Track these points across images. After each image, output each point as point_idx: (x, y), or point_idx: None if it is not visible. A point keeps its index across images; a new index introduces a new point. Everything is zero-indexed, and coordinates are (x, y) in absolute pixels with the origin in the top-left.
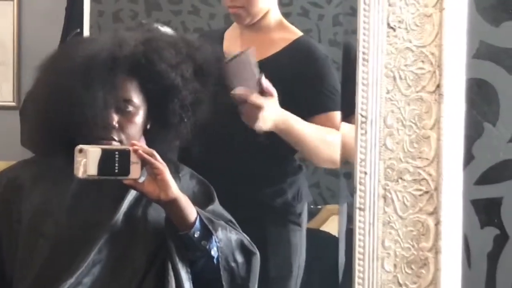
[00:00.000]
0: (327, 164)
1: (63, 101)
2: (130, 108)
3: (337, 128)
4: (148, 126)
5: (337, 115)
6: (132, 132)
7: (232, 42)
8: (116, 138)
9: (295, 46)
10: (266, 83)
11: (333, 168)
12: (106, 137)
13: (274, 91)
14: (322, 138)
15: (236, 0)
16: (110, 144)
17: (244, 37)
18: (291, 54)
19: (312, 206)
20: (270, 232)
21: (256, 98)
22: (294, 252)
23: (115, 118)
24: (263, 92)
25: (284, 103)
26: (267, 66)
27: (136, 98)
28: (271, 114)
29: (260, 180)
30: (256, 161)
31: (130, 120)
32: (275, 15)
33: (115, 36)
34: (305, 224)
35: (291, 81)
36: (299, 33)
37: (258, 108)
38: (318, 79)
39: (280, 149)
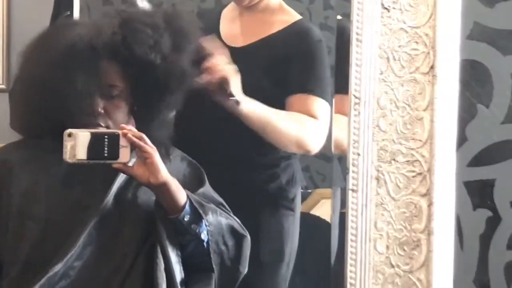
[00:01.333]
0: (292, 148)
1: (47, 91)
2: (115, 93)
3: (311, 112)
4: (135, 108)
5: (314, 100)
6: (119, 117)
7: (230, 23)
8: (103, 124)
9: (292, 29)
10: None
11: (305, 153)
12: (93, 123)
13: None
14: (285, 120)
15: None
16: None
17: (244, 18)
18: (287, 36)
19: (302, 190)
20: (262, 217)
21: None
22: (286, 237)
23: (101, 104)
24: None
25: (272, 83)
26: (263, 46)
27: (120, 82)
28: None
29: (254, 164)
30: (250, 144)
31: (115, 104)
32: None
33: (93, 23)
34: (298, 209)
35: (282, 61)
36: (298, 17)
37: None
38: (306, 60)
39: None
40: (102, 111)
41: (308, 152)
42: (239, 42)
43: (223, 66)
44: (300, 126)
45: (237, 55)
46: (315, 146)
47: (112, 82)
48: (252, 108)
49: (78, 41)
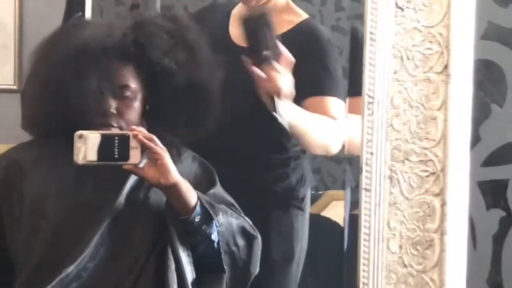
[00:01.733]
0: (320, 150)
1: (59, 91)
2: (127, 94)
3: (329, 113)
4: (148, 107)
5: (330, 100)
6: (131, 117)
7: (238, 23)
8: (115, 125)
9: (299, 28)
10: (283, 50)
11: (326, 155)
12: (105, 124)
13: (293, 59)
14: (317, 125)
15: None
16: (109, 130)
17: None
18: (295, 36)
19: (313, 192)
20: (272, 217)
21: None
22: (296, 237)
23: (113, 104)
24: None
25: None
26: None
27: (133, 83)
28: (290, 83)
29: (264, 164)
30: (260, 145)
31: (128, 105)
32: None
33: (104, 24)
34: (308, 209)
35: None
36: (305, 16)
37: (281, 83)
38: (317, 61)
39: (283, 133)
40: (115, 111)
41: (330, 154)
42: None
43: (282, 79)
44: (326, 130)
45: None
46: (337, 147)
47: (125, 82)
48: (289, 116)
49: (90, 41)
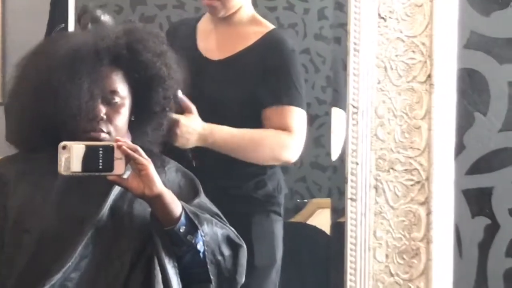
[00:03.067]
0: (269, 162)
1: (49, 95)
2: (117, 99)
3: (288, 123)
4: (133, 118)
5: (291, 109)
6: (120, 124)
7: (207, 36)
8: (105, 130)
9: (265, 40)
10: (184, 99)
11: (282, 164)
12: (94, 129)
13: (193, 107)
14: (255, 140)
15: None
16: (99, 136)
17: (219, 31)
18: (260, 48)
19: (298, 200)
20: (255, 223)
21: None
22: (277, 242)
23: (103, 109)
24: (181, 110)
25: (248, 95)
26: (238, 60)
27: (122, 89)
28: (193, 131)
29: (243, 172)
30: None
31: (117, 111)
32: (248, 10)
33: (96, 29)
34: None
35: (256, 74)
36: (271, 27)
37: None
38: (280, 71)
39: None
40: (104, 116)
41: (286, 163)
42: (216, 56)
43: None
44: (273, 141)
45: (215, 68)
46: (291, 156)
47: (114, 88)
48: (217, 139)
49: (82, 45)
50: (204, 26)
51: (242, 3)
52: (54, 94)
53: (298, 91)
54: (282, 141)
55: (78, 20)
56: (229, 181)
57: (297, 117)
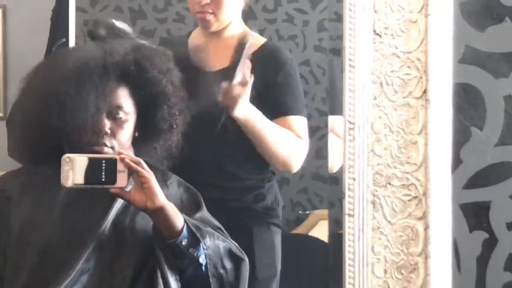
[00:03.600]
0: (280, 166)
1: (54, 108)
2: (121, 115)
3: (296, 132)
4: (137, 134)
5: (294, 119)
6: (123, 139)
7: (200, 49)
8: (108, 144)
9: (260, 52)
10: (246, 72)
11: (287, 171)
12: (98, 143)
13: (249, 80)
14: (282, 139)
15: (206, 5)
16: (102, 150)
17: (212, 45)
18: (257, 60)
19: (300, 212)
20: (256, 236)
21: (237, 87)
22: (277, 254)
23: (107, 124)
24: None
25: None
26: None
27: (127, 105)
28: (246, 102)
29: (242, 185)
30: (238, 167)
31: (121, 126)
32: (238, 25)
33: (104, 44)
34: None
35: (257, 86)
36: (263, 39)
37: (238, 95)
38: (281, 82)
39: (259, 157)
40: (108, 131)
41: (289, 171)
42: (211, 67)
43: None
44: (289, 145)
45: (211, 78)
46: (298, 165)
47: (119, 103)
48: (250, 118)
49: (90, 59)
50: (196, 40)
51: (232, 19)
52: (60, 106)
53: (298, 100)
54: (295, 147)
55: (89, 33)
56: (228, 194)
57: (301, 125)
